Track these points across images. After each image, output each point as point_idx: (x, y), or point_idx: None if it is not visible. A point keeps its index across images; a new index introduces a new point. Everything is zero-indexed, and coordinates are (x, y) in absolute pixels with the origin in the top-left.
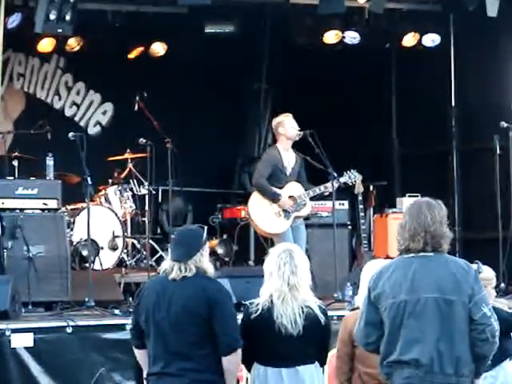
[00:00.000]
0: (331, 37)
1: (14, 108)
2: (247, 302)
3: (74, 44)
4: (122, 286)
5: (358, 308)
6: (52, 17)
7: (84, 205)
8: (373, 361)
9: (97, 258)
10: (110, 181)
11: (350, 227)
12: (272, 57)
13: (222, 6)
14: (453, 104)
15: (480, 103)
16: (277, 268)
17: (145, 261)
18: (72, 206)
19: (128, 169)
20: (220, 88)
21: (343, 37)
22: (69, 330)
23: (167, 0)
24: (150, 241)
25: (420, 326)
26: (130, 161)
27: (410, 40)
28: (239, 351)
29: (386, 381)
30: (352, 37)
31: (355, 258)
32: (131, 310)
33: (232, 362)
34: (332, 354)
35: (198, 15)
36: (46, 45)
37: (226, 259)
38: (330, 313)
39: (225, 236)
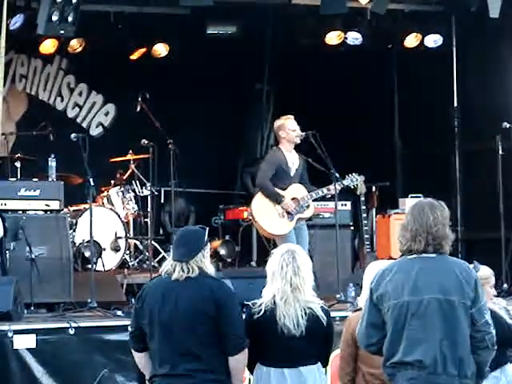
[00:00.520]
0: (333, 38)
1: (17, 109)
2: (250, 303)
3: (76, 45)
4: (124, 287)
5: (361, 309)
6: (54, 18)
7: (86, 206)
8: (376, 361)
9: (99, 259)
10: (113, 182)
11: (352, 228)
12: (274, 58)
13: (224, 8)
14: (455, 105)
15: (482, 104)
16: (279, 269)
17: (147, 262)
18: (74, 207)
19: (130, 170)
20: (222, 89)
21: (345, 38)
22: (71, 332)
23: (169, 1)
24: (153, 242)
25: (423, 327)
26: (132, 162)
27: (412, 41)
28: (246, 351)
29: (389, 382)
30: (354, 38)
31: (357, 259)
32: (132, 312)
33: (239, 362)
34: (334, 355)
35: (200, 16)
36: (48, 46)
37: (229, 260)
38: (332, 314)
39: (227, 237)
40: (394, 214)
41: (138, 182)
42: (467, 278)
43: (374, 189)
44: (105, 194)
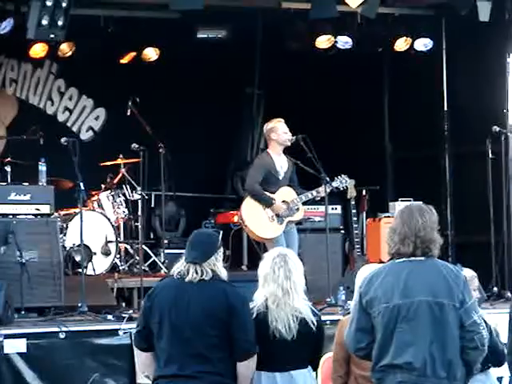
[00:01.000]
0: (323, 41)
1: (7, 114)
2: None
3: (66, 49)
4: (114, 291)
5: None
6: (44, 22)
7: (77, 210)
8: (368, 364)
9: (90, 264)
10: (103, 186)
11: (342, 232)
12: (264, 61)
13: (214, 12)
14: (445, 108)
15: (472, 107)
16: (271, 272)
17: (138, 266)
18: (65, 212)
19: (121, 174)
20: (212, 93)
21: (335, 41)
22: (62, 336)
23: (159, 5)
24: (143, 246)
25: (413, 330)
26: (122, 166)
27: (402, 44)
28: (255, 358)
29: None
30: (344, 41)
31: (348, 263)
32: (140, 311)
33: (248, 367)
34: (325, 358)
35: (190, 20)
36: (38, 50)
37: None
38: (323, 317)
39: None
40: (385, 217)
41: (128, 186)
42: (456, 280)
43: (364, 192)
44: (95, 198)
